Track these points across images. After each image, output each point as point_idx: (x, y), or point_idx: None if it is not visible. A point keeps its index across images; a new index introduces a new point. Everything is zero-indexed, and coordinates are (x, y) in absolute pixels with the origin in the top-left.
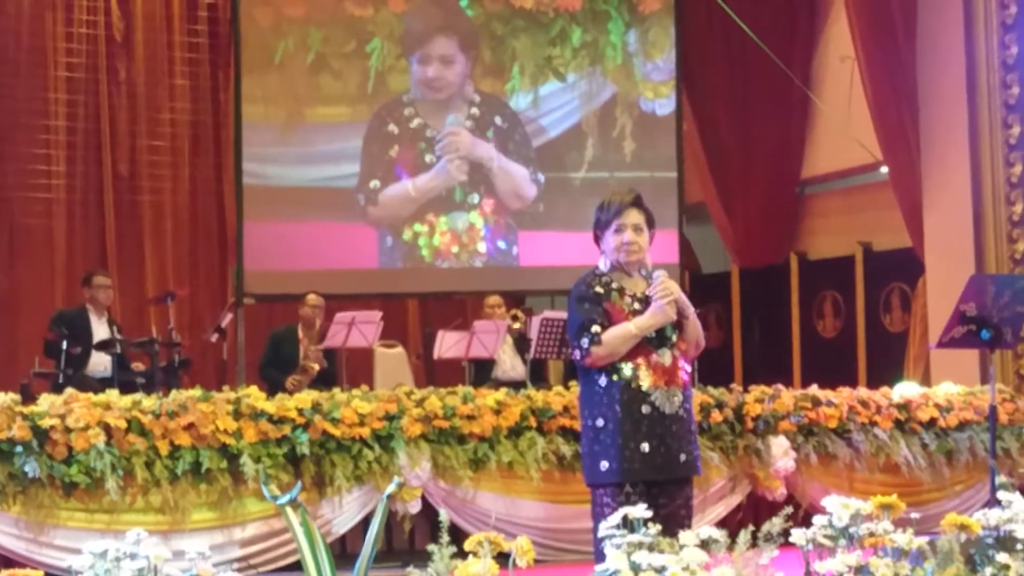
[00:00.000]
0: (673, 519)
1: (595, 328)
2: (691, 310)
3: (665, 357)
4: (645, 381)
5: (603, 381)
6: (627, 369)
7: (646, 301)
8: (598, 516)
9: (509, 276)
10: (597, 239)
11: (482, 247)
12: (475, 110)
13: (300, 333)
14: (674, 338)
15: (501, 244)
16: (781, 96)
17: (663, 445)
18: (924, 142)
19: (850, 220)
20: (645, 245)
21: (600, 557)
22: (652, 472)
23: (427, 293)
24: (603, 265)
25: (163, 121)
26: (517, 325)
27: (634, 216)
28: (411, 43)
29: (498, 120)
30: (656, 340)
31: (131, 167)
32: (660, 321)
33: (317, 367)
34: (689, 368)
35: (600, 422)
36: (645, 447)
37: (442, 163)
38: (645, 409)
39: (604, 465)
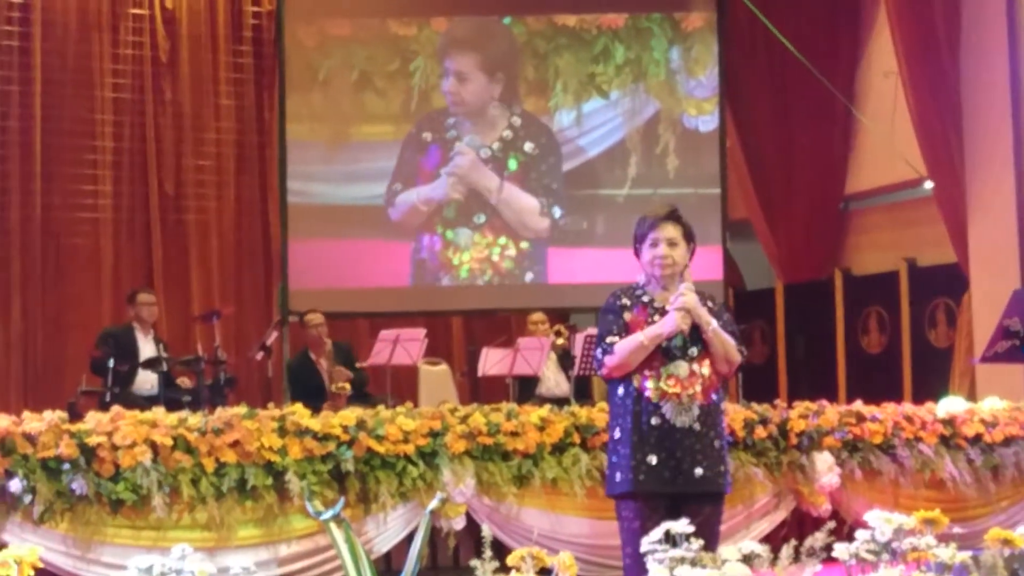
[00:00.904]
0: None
1: (610, 339)
2: (713, 324)
3: (680, 369)
4: (654, 392)
5: (620, 391)
6: (639, 379)
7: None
8: (620, 529)
9: (552, 293)
10: (637, 253)
11: (492, 265)
12: (508, 132)
13: (313, 356)
14: (694, 351)
15: (507, 264)
16: (824, 112)
17: (672, 458)
18: (968, 157)
19: (894, 236)
20: (681, 258)
21: (629, 570)
22: (660, 485)
23: (471, 311)
24: (642, 279)
25: (208, 140)
26: (561, 341)
27: (669, 230)
28: (441, 58)
29: (528, 146)
30: (673, 352)
31: (177, 187)
32: (669, 330)
33: (347, 386)
34: (717, 383)
35: (617, 433)
36: (652, 459)
37: (441, 179)
38: (655, 421)
39: (618, 476)
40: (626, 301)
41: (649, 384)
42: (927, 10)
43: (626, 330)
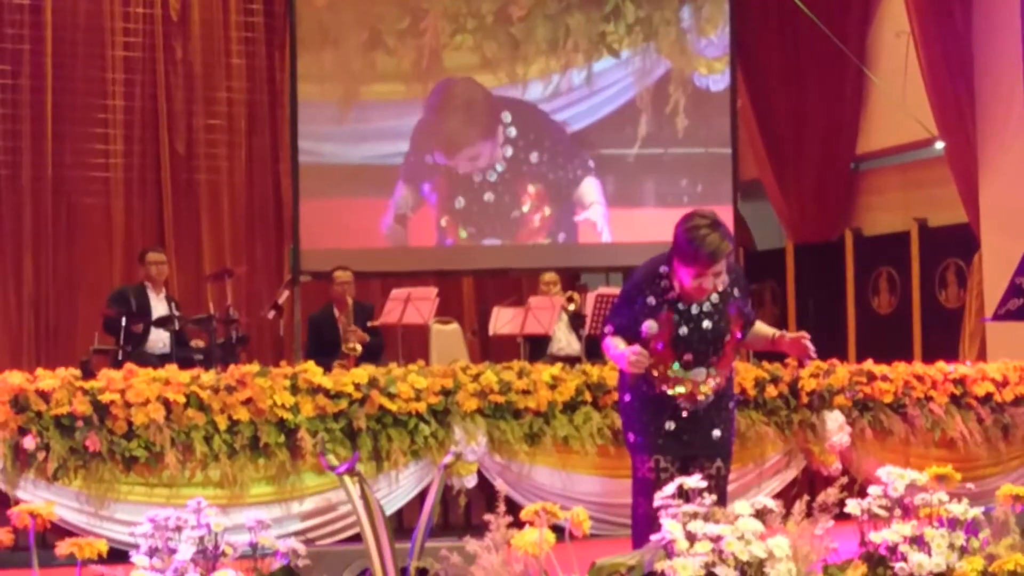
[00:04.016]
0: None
1: (607, 328)
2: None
3: (699, 375)
4: (670, 391)
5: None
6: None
7: (698, 319)
8: (633, 480)
9: (564, 253)
10: (674, 255)
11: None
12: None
13: (336, 312)
14: (715, 359)
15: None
16: (836, 71)
17: (690, 424)
18: (980, 117)
19: (905, 196)
20: (720, 283)
21: (641, 521)
22: (678, 448)
23: (482, 270)
24: (666, 268)
25: (219, 100)
26: (572, 307)
27: (721, 266)
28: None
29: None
30: (695, 362)
31: (188, 146)
32: (622, 367)
33: (359, 347)
34: (731, 367)
35: (627, 397)
36: (670, 425)
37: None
38: (668, 403)
39: (631, 437)
40: (652, 300)
41: (664, 386)
42: None
43: (639, 319)
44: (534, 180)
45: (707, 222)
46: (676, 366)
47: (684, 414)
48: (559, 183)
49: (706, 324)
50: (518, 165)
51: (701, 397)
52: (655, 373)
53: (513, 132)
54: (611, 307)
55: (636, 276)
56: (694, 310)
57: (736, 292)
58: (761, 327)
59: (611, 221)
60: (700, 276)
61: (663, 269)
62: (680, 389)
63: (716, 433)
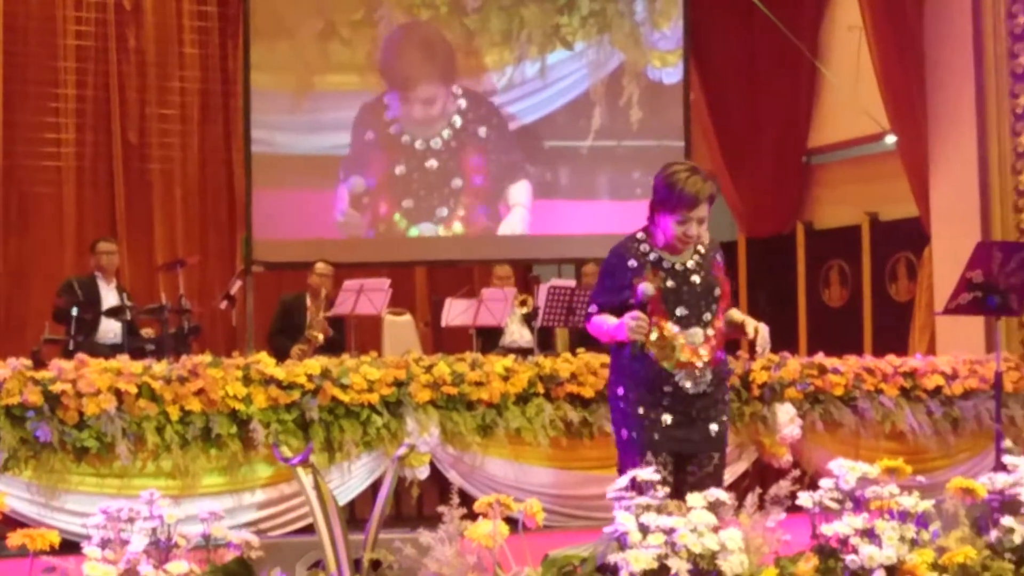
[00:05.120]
0: (701, 487)
1: (592, 308)
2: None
3: (696, 337)
4: (669, 363)
5: (627, 352)
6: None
7: (685, 275)
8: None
9: (516, 245)
10: (655, 208)
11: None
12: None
13: (308, 301)
14: (708, 316)
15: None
16: (789, 65)
17: (687, 419)
18: (931, 112)
19: (857, 189)
20: (704, 234)
21: None
22: (674, 443)
23: (435, 261)
24: (654, 232)
25: (172, 89)
26: (525, 310)
27: (703, 210)
28: None
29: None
30: (688, 319)
31: (140, 135)
32: (619, 337)
33: (322, 337)
34: (723, 339)
35: (620, 390)
36: (667, 418)
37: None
38: (667, 388)
39: (624, 434)
40: (633, 263)
41: (663, 358)
42: None
43: (634, 295)
44: (478, 153)
45: (686, 167)
46: (671, 326)
47: (681, 404)
48: (499, 166)
49: (694, 278)
50: (465, 137)
51: (700, 363)
52: (651, 340)
53: (463, 103)
54: (593, 287)
55: (613, 248)
56: (679, 267)
57: (718, 257)
58: (735, 311)
59: (564, 213)
60: (684, 222)
61: (640, 234)
62: (679, 356)
63: (714, 428)
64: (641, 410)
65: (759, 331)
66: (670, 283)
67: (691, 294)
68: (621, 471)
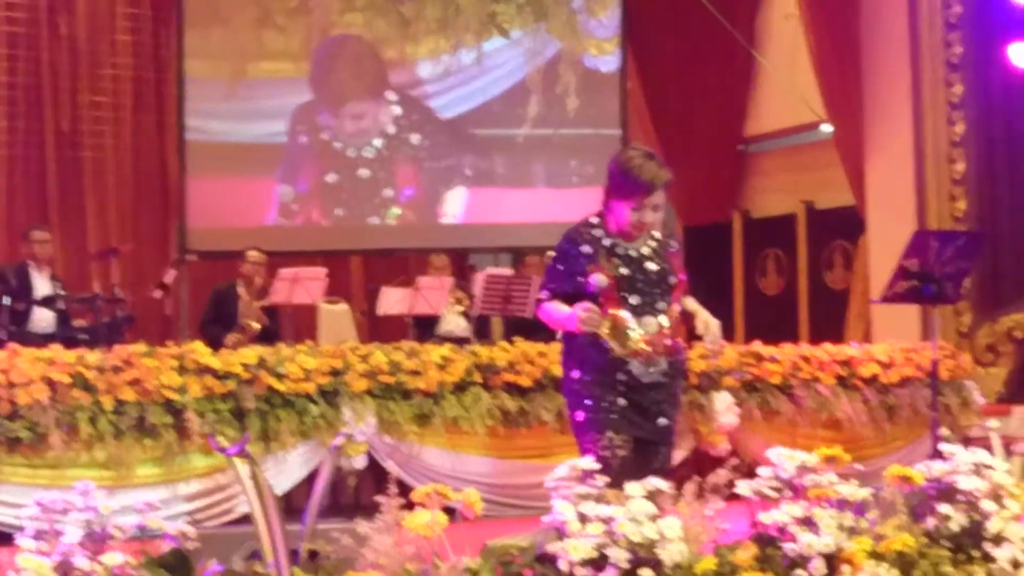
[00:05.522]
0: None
1: (544, 295)
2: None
3: (650, 327)
4: (621, 351)
5: (580, 338)
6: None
7: (639, 262)
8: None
9: (453, 233)
10: (610, 193)
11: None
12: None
13: (241, 290)
14: (662, 305)
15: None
16: (725, 54)
17: (639, 407)
18: (867, 101)
19: (793, 178)
20: (659, 221)
21: None
22: (630, 427)
23: (371, 250)
24: (609, 218)
25: (105, 77)
26: (461, 308)
27: (659, 197)
28: None
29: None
30: (642, 308)
31: (72, 123)
32: (570, 328)
33: (257, 325)
34: (679, 330)
35: (575, 374)
36: (622, 402)
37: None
38: (621, 376)
39: (579, 416)
40: (587, 248)
41: (616, 346)
42: None
43: (587, 285)
44: (411, 163)
45: (641, 152)
46: (624, 313)
47: (636, 392)
48: (434, 173)
49: (649, 266)
50: (398, 144)
51: (655, 353)
52: (605, 331)
53: (398, 111)
54: (545, 273)
55: (566, 233)
56: (633, 253)
57: (673, 244)
58: (689, 300)
59: (500, 202)
60: (639, 208)
61: (593, 219)
62: (632, 345)
63: (662, 421)
64: (597, 391)
65: (709, 327)
66: (624, 270)
67: (646, 282)
68: (581, 449)
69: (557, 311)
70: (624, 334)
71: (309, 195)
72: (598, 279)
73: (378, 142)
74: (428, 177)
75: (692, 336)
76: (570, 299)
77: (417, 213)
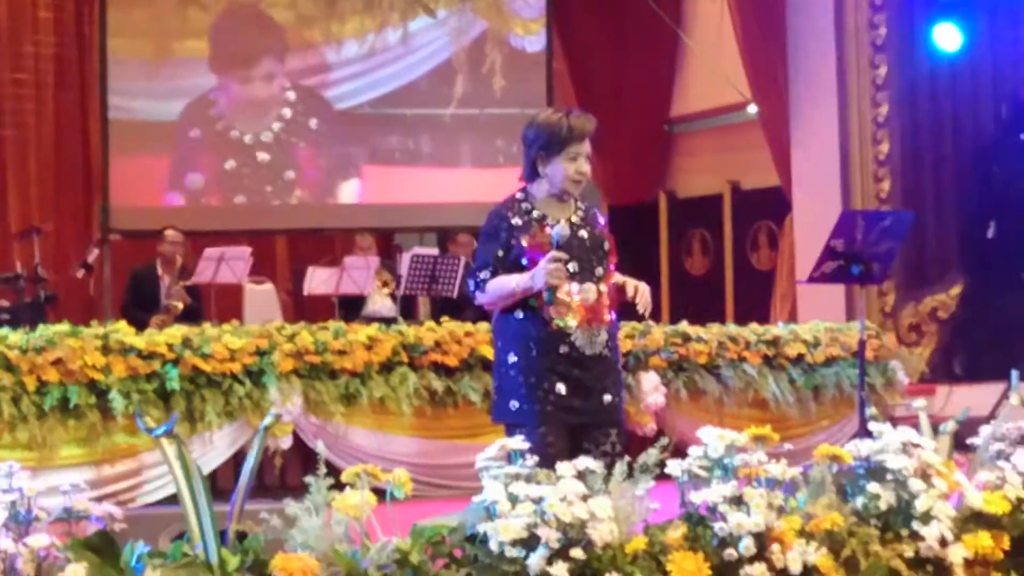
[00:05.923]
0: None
1: (483, 274)
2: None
3: (590, 293)
4: (565, 320)
5: (519, 314)
6: (540, 305)
7: (573, 231)
8: None
9: (377, 213)
10: (534, 162)
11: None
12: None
13: (160, 270)
14: (600, 271)
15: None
16: (651, 34)
17: (582, 387)
18: (793, 82)
19: (719, 159)
20: (588, 173)
21: None
22: (568, 415)
23: (296, 230)
24: (535, 191)
25: (26, 55)
26: (387, 291)
27: (588, 145)
28: None
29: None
30: (580, 275)
31: None
32: (539, 286)
33: (181, 305)
34: (614, 300)
35: (512, 357)
36: (561, 388)
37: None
38: (563, 349)
39: (514, 405)
40: (517, 220)
41: (560, 310)
42: None
43: (523, 254)
44: (309, 145)
45: (556, 108)
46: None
47: (578, 367)
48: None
49: (582, 233)
50: (296, 128)
51: (600, 316)
52: (560, 297)
53: (292, 96)
54: (475, 256)
55: (492, 211)
56: (563, 221)
57: (599, 216)
58: (618, 275)
59: (426, 181)
60: (575, 157)
61: (519, 195)
62: (580, 311)
63: (607, 398)
64: (533, 379)
65: (639, 290)
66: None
67: (581, 248)
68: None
69: (506, 283)
70: (564, 303)
71: (208, 187)
72: (560, 229)
73: (276, 126)
74: (326, 169)
75: (621, 314)
76: (509, 272)
77: (330, 194)
